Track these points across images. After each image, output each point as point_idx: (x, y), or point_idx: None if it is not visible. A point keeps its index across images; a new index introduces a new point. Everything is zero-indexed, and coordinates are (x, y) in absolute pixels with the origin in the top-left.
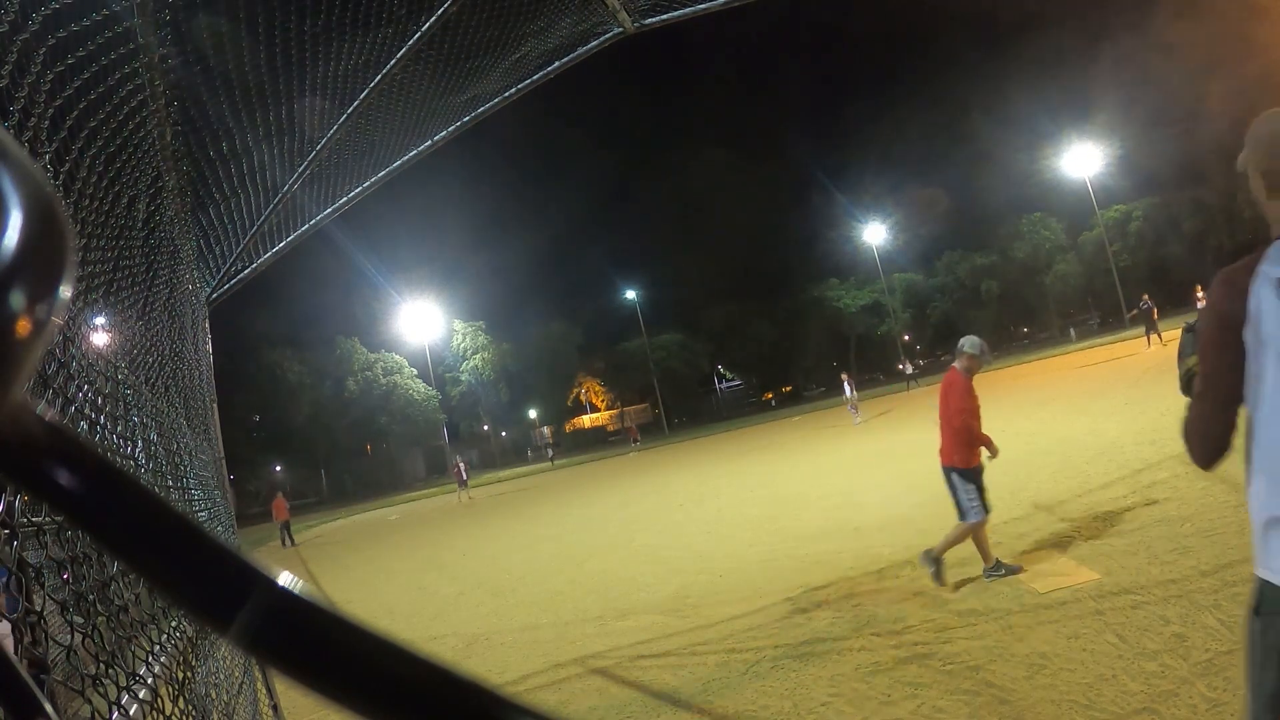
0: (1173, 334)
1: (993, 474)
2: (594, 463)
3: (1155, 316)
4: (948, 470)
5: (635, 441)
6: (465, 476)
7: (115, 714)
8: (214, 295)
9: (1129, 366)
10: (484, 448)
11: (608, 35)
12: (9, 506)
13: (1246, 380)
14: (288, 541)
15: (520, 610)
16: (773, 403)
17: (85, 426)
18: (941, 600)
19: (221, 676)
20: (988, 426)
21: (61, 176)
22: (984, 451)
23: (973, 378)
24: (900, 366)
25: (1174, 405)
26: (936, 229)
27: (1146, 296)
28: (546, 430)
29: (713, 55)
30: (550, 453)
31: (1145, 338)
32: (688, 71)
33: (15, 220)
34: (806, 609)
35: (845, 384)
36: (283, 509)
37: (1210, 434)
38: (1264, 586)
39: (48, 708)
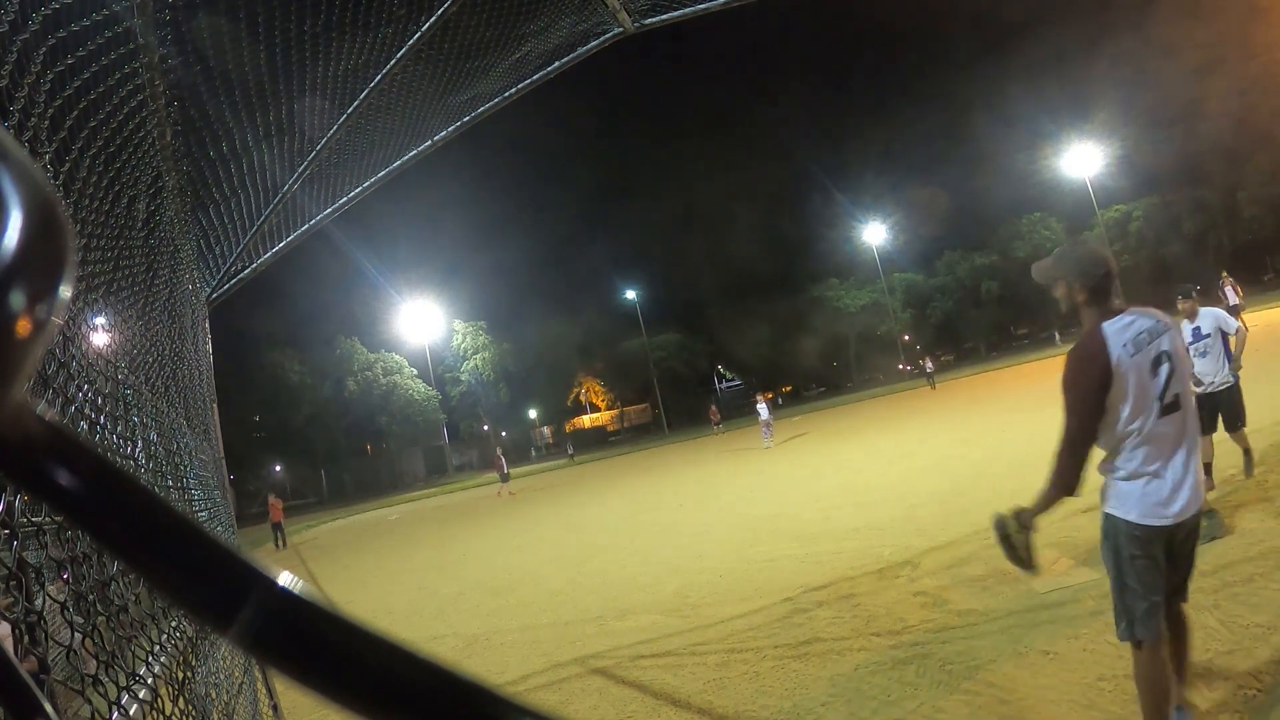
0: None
1: (993, 474)
2: (611, 459)
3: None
4: None
5: (717, 424)
6: (506, 470)
7: (115, 714)
8: (214, 295)
9: None
10: (484, 448)
11: (608, 35)
12: (9, 506)
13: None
14: (280, 543)
15: (520, 610)
16: (779, 401)
17: (85, 426)
18: (941, 600)
19: (221, 676)
20: (989, 426)
21: (61, 176)
22: None
23: None
24: (921, 363)
25: None
26: (936, 229)
27: (1226, 274)
28: (546, 430)
29: (713, 55)
30: (570, 449)
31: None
32: (688, 71)
33: (15, 220)
34: (806, 609)
35: (761, 405)
36: (278, 510)
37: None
38: (1108, 519)
39: (48, 708)
